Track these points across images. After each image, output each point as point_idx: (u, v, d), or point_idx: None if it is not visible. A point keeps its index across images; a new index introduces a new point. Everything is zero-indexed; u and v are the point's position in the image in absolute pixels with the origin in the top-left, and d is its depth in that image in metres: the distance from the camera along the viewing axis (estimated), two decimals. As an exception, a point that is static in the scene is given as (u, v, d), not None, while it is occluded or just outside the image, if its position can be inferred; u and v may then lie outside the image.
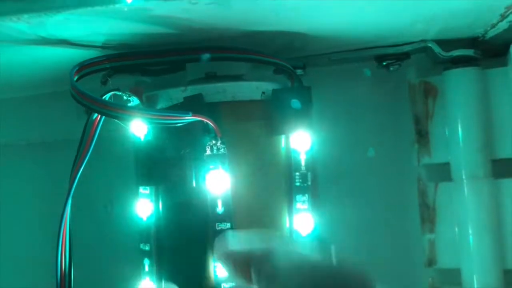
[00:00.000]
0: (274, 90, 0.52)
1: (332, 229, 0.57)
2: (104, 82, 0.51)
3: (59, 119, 0.70)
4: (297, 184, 0.52)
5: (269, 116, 0.51)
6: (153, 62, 0.52)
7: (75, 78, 0.46)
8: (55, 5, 0.40)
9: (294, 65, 0.57)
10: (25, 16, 0.41)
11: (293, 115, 0.51)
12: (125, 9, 0.41)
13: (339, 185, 0.68)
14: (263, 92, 0.52)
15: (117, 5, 0.40)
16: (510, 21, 0.54)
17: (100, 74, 0.51)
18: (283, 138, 0.53)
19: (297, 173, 0.52)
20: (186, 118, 0.46)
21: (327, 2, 0.46)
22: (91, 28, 0.46)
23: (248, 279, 0.34)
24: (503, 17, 0.53)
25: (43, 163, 0.74)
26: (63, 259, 0.48)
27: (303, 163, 0.52)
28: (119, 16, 0.43)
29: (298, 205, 0.52)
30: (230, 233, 0.39)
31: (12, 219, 0.74)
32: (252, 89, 0.51)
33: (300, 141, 0.52)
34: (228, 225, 0.47)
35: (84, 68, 0.47)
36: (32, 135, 0.74)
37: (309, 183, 0.52)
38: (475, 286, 0.62)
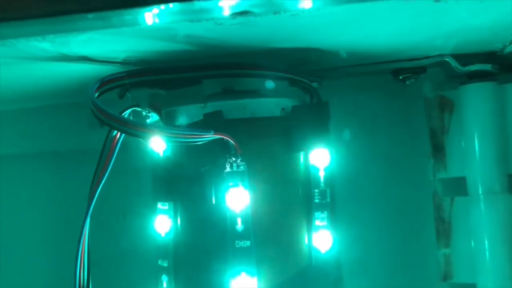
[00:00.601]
0: (293, 107, 0.51)
1: (350, 245, 0.57)
2: (121, 96, 0.51)
3: (72, 129, 0.70)
4: (316, 201, 0.52)
5: (288, 132, 0.51)
6: (172, 77, 0.51)
7: (96, 95, 0.45)
8: (81, 26, 0.40)
9: (311, 79, 0.57)
10: (51, 36, 0.41)
11: (313, 132, 0.51)
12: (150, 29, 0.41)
13: (355, 201, 0.68)
14: (283, 109, 0.52)
15: (142, 26, 0.40)
16: (530, 37, 0.54)
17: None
18: (302, 155, 0.52)
19: (316, 190, 0.52)
20: (208, 136, 0.46)
21: (347, 21, 0.46)
22: (113, 46, 0.46)
23: None
24: (524, 33, 0.53)
25: (55, 172, 0.74)
26: (82, 275, 0.47)
27: (322, 179, 0.52)
28: (142, 35, 0.43)
29: (317, 222, 0.51)
30: None
31: (24, 228, 0.74)
32: (272, 105, 0.51)
33: (319, 158, 0.52)
34: (248, 243, 0.47)
35: (105, 85, 0.47)
36: (45, 145, 0.74)
37: (328, 199, 0.52)
38: (491, 301, 0.61)
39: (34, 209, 0.74)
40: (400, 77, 0.64)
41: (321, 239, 0.51)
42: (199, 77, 0.53)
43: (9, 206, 0.73)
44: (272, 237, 0.50)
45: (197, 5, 0.40)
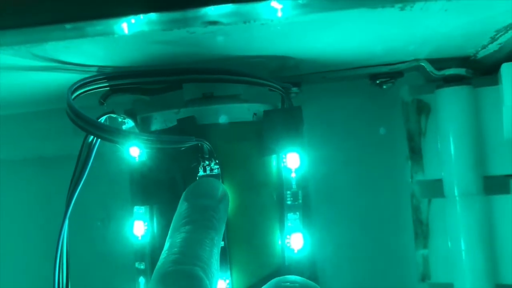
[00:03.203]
0: (265, 111, 0.53)
1: (325, 246, 0.58)
2: (102, 103, 0.52)
3: (56, 135, 0.71)
4: (289, 202, 0.53)
5: (260, 136, 0.52)
6: (150, 81, 0.52)
7: (72, 97, 0.46)
8: (57, 36, 0.41)
9: (287, 86, 0.58)
10: (27, 45, 0.42)
11: (284, 136, 0.52)
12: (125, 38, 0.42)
13: (332, 202, 0.69)
14: (255, 113, 0.53)
15: (116, 36, 0.41)
16: (500, 43, 0.55)
17: (99, 94, 0.52)
18: (274, 158, 0.54)
19: (288, 192, 0.53)
20: (189, 142, 0.47)
21: (318, 30, 0.47)
22: (89, 53, 0.47)
23: None
24: (493, 39, 0.54)
25: (39, 178, 0.75)
26: (60, 279, 0.48)
27: (294, 181, 0.53)
28: (118, 43, 0.44)
29: (290, 223, 0.52)
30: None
31: (7, 234, 0.75)
32: (244, 110, 0.52)
33: (291, 160, 0.53)
34: (221, 243, 0.48)
35: (82, 87, 0.47)
36: (29, 151, 0.75)
37: (300, 201, 0.53)
38: (468, 300, 0.63)
39: (18, 215, 0.75)
40: (377, 82, 0.66)
41: (294, 240, 0.52)
42: (179, 82, 0.54)
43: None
44: (245, 238, 0.51)
45: (166, 16, 0.41)
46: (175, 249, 0.43)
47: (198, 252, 0.43)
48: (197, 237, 0.44)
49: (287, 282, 0.45)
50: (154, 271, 0.43)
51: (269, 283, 0.45)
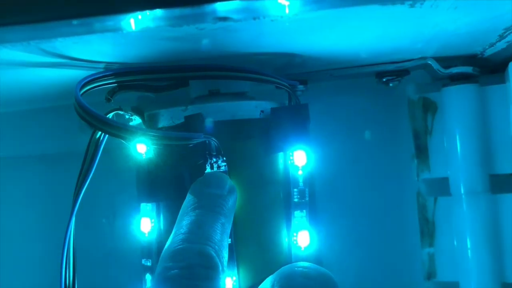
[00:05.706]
0: (272, 109, 0.52)
1: (331, 244, 0.58)
2: (109, 99, 0.52)
3: (62, 132, 0.71)
4: (295, 200, 0.52)
5: (267, 134, 0.52)
6: (158, 78, 0.52)
7: (81, 93, 0.45)
8: (65, 31, 0.41)
9: (294, 83, 0.58)
10: (36, 41, 0.42)
11: (291, 133, 0.52)
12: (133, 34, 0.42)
13: (338, 200, 0.69)
14: (262, 111, 0.52)
15: (124, 31, 0.41)
16: (508, 41, 0.55)
17: (105, 90, 0.52)
18: (281, 156, 0.53)
19: (295, 189, 0.53)
20: (198, 139, 0.47)
21: (327, 26, 0.47)
22: (97, 50, 0.47)
23: None
24: (501, 37, 0.54)
25: (44, 175, 0.75)
26: (67, 275, 0.48)
27: (301, 179, 0.53)
28: (126, 39, 0.44)
29: (296, 221, 0.52)
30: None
31: (13, 231, 0.75)
32: (251, 108, 0.52)
33: (298, 158, 0.53)
34: (228, 240, 0.48)
35: (90, 83, 0.47)
36: (34, 148, 0.75)
37: (307, 198, 0.53)
38: (474, 299, 0.62)
39: (23, 212, 0.75)
40: (384, 80, 0.66)
41: (301, 237, 0.52)
42: (185, 78, 0.54)
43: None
44: (252, 236, 0.51)
45: (176, 12, 0.41)
46: (185, 229, 0.42)
47: (209, 233, 0.41)
48: (207, 220, 0.42)
49: (300, 267, 0.44)
50: (163, 251, 0.41)
51: (282, 268, 0.45)
